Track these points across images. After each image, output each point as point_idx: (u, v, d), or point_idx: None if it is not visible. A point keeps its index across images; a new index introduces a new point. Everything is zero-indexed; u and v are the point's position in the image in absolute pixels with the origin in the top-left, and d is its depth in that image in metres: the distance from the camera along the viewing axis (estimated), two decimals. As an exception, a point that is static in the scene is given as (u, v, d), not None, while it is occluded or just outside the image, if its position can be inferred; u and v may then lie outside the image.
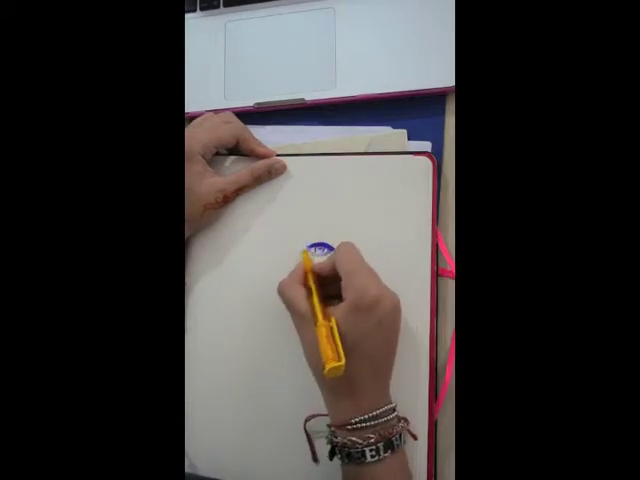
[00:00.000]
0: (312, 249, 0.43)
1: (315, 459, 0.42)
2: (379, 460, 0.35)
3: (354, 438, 0.35)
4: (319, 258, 0.43)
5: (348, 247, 0.38)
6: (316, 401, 0.38)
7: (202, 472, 0.43)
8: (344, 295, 0.36)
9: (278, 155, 0.45)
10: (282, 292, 0.38)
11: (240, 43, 0.49)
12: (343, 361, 0.33)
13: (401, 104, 0.45)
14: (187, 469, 0.44)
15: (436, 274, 0.42)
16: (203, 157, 0.43)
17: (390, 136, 0.45)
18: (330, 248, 0.43)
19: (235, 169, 0.45)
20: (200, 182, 0.43)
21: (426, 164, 0.43)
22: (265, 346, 0.44)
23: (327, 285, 0.39)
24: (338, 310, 0.36)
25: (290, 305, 0.38)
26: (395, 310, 0.36)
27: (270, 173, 0.45)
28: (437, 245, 0.43)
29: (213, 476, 0.42)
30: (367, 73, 0.46)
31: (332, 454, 0.37)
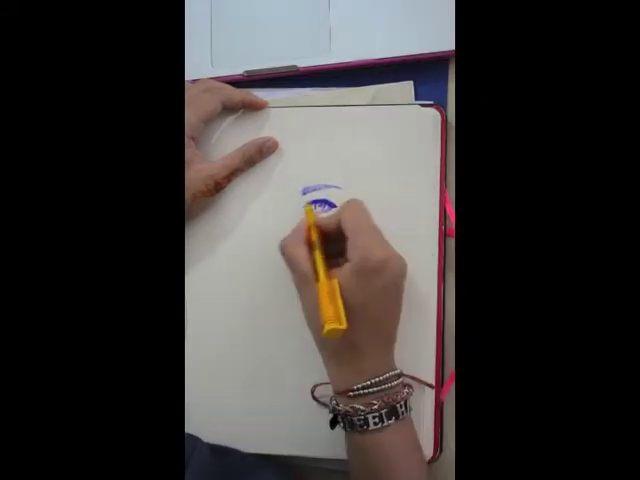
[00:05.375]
0: (312, 206, 0.42)
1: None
2: (383, 428, 0.35)
3: (356, 405, 0.35)
4: (320, 215, 0.42)
5: (356, 204, 0.38)
6: (319, 367, 0.37)
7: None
8: (349, 255, 0.35)
9: (274, 107, 0.44)
10: (284, 250, 0.37)
11: (228, 6, 0.46)
12: (345, 325, 0.32)
13: (401, 70, 0.44)
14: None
15: (444, 235, 0.42)
16: (192, 139, 0.41)
17: (395, 88, 0.44)
18: (331, 205, 0.42)
19: (223, 145, 0.43)
20: (187, 169, 0.40)
21: (434, 116, 0.42)
22: (265, 314, 0.43)
23: (330, 243, 0.38)
24: (342, 272, 0.35)
25: (291, 263, 0.37)
26: (401, 274, 0.36)
27: (262, 153, 0.43)
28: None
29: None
30: (364, 37, 0.44)
31: (334, 423, 0.37)
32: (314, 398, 0.40)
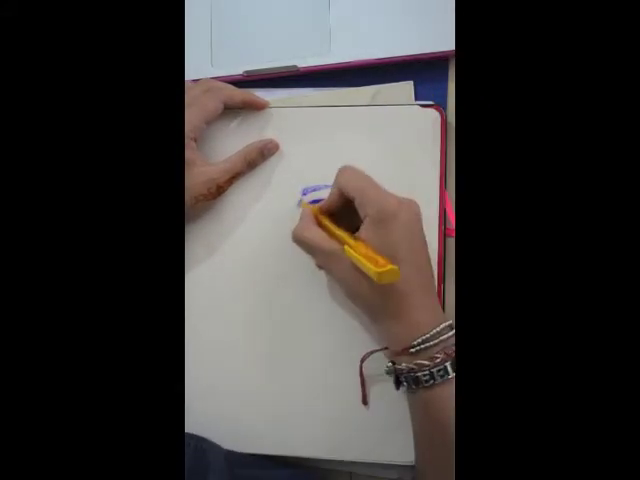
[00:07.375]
0: (305, 196, 0.42)
1: (365, 402, 0.41)
2: (448, 380, 0.34)
3: (420, 360, 0.34)
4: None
5: (349, 168, 0.38)
6: (323, 368, 0.38)
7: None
8: (363, 212, 0.35)
9: (274, 107, 0.44)
10: (300, 237, 0.37)
11: (228, 6, 0.46)
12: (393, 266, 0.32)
13: (401, 69, 0.44)
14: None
15: (444, 235, 0.42)
16: (194, 140, 0.41)
17: (395, 88, 0.44)
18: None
19: (224, 145, 0.43)
20: (189, 171, 0.40)
21: (434, 116, 0.42)
22: (267, 316, 0.42)
23: (339, 221, 0.38)
24: (363, 229, 0.35)
25: (312, 247, 0.37)
26: (418, 213, 0.36)
27: (263, 155, 0.43)
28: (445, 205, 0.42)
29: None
30: (364, 37, 0.44)
31: (398, 383, 0.37)
32: (361, 374, 0.40)
